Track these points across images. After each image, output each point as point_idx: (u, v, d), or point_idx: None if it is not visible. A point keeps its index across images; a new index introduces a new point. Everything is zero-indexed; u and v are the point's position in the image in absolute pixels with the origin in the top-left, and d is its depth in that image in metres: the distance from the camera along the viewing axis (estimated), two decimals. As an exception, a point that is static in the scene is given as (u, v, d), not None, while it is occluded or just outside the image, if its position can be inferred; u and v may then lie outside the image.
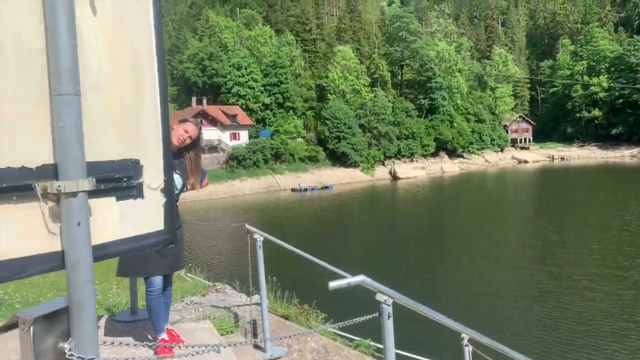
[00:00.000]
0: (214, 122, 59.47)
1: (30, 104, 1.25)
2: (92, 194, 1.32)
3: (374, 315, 2.63)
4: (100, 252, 1.37)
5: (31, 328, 1.25)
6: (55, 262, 1.30)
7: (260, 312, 4.61)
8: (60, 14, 1.24)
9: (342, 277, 3.29)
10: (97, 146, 1.36)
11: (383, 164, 69.11)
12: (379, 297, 2.53)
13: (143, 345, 1.70)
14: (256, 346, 4.40)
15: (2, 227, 1.20)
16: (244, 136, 62.86)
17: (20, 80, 1.23)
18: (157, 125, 1.57)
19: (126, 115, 1.47)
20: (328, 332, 5.23)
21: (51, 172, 1.27)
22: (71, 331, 1.30)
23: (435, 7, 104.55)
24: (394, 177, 66.16)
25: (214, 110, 62.32)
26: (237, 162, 58.07)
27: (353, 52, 75.02)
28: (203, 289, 5.99)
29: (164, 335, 3.67)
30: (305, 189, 56.27)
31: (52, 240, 1.29)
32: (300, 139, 65.70)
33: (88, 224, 1.30)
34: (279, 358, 4.39)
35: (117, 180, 1.42)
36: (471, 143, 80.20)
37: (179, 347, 2.83)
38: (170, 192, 1.60)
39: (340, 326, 2.92)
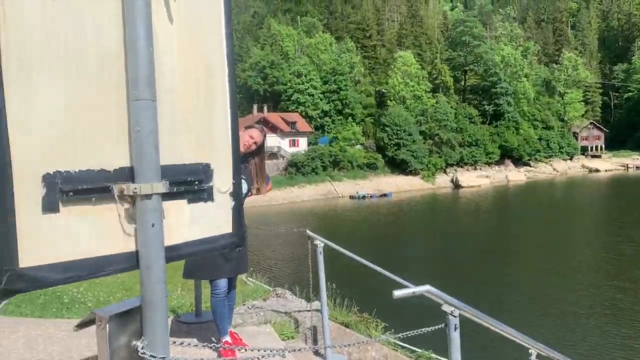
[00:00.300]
0: (274, 129, 60.43)
1: (109, 108, 1.29)
2: (166, 196, 1.34)
3: (439, 326, 2.55)
4: (172, 254, 1.40)
5: (107, 325, 1.29)
6: (130, 262, 1.33)
7: (320, 319, 4.60)
8: (138, 20, 1.27)
9: (404, 286, 3.22)
10: (170, 149, 1.39)
11: (444, 172, 67.52)
12: (446, 308, 2.45)
13: (210, 347, 1.72)
14: (316, 353, 4.39)
15: (83, 227, 1.25)
16: (303, 143, 63.50)
17: (100, 86, 1.27)
18: (227, 129, 1.59)
19: (198, 120, 1.49)
20: (388, 342, 5.14)
21: (128, 174, 1.31)
22: (144, 330, 1.33)
23: (500, 10, 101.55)
24: (456, 185, 64.49)
25: (274, 117, 63.39)
26: (296, 169, 58.66)
27: (414, 58, 74.12)
28: (264, 294, 6.05)
29: (228, 338, 3.74)
30: (364, 197, 55.90)
31: (127, 241, 1.32)
32: (358, 146, 65.55)
33: (162, 225, 1.33)
34: (338, 366, 4.36)
35: (189, 183, 1.45)
36: (538, 151, 77.00)
37: (244, 350, 2.86)
38: (238, 196, 1.61)
39: (402, 336, 2.85)
